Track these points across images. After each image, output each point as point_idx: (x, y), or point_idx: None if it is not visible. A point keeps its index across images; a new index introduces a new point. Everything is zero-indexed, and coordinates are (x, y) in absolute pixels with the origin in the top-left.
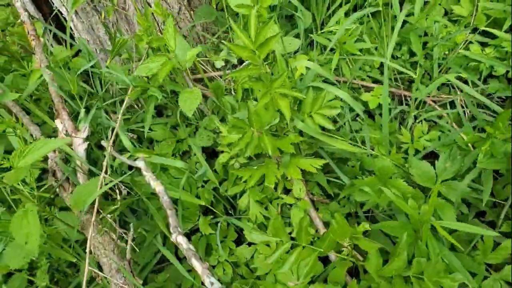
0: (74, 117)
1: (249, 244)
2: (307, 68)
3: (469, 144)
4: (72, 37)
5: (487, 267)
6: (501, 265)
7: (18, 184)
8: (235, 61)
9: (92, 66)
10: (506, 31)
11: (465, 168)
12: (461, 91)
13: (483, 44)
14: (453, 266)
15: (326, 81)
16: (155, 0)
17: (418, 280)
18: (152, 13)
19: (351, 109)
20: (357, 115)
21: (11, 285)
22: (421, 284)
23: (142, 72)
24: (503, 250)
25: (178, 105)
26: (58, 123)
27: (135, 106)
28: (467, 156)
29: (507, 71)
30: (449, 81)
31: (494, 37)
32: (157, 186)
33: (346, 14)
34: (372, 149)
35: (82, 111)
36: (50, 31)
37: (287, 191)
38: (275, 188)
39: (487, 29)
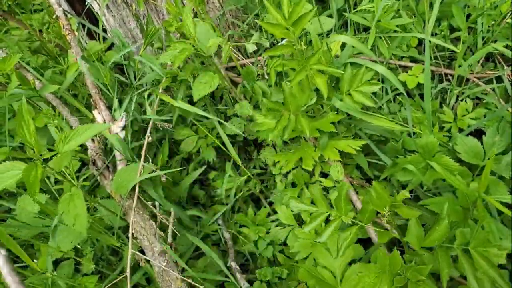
0: (111, 109)
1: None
2: (342, 49)
3: None
4: (105, 31)
5: None
6: None
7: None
8: (267, 45)
9: (125, 59)
10: None
11: None
12: (508, 65)
13: None
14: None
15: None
16: None
17: (463, 251)
18: (182, 0)
19: (389, 91)
20: (395, 96)
21: (60, 272)
22: (467, 255)
23: (166, 59)
24: None
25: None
26: (96, 113)
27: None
28: None
29: None
30: (494, 55)
31: None
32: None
33: None
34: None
35: (115, 100)
36: (84, 26)
37: (324, 176)
38: (313, 172)
39: None
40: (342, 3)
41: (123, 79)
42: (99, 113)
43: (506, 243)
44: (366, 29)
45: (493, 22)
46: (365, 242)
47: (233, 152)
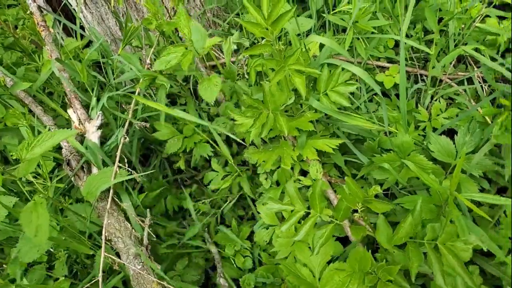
0: (88, 108)
1: (267, 227)
2: (321, 48)
3: (488, 118)
4: (82, 29)
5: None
6: None
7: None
8: (247, 44)
9: (103, 57)
10: None
11: (484, 141)
12: (478, 67)
13: (501, 18)
14: (482, 241)
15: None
16: None
17: (432, 245)
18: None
19: (367, 90)
20: (372, 96)
21: (31, 277)
22: (435, 249)
23: (161, 66)
24: None
25: (191, 93)
26: (71, 112)
27: (150, 96)
28: (486, 129)
29: None
30: (465, 57)
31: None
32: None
33: None
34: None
35: (94, 99)
36: (60, 22)
37: (304, 174)
38: (292, 170)
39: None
40: (321, 4)
41: (101, 77)
42: (74, 112)
43: (472, 238)
44: (345, 30)
45: (463, 26)
46: (346, 241)
47: (225, 150)
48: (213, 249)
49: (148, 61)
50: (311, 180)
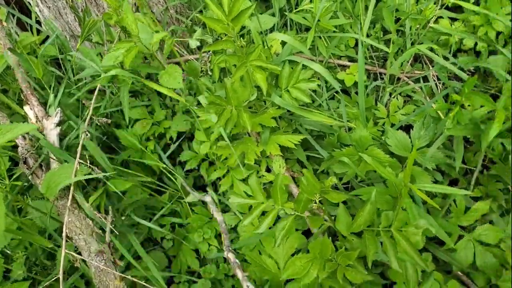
0: (46, 105)
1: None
2: (283, 45)
3: (440, 113)
4: (39, 24)
5: (460, 229)
6: (473, 226)
7: None
8: (210, 41)
9: (62, 53)
10: (472, 3)
11: (438, 135)
12: (433, 66)
13: (453, 20)
14: (432, 228)
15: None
16: None
17: (386, 232)
18: None
19: (328, 88)
20: (334, 94)
21: None
22: (389, 235)
23: (109, 61)
24: (474, 212)
25: (154, 90)
26: (27, 109)
27: (112, 93)
28: (439, 123)
29: (475, 45)
30: (421, 57)
31: (462, 11)
32: (218, 217)
33: None
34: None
35: (51, 95)
36: (14, 16)
37: (269, 171)
38: (258, 164)
39: (456, 1)
40: (284, 3)
41: (60, 73)
42: (31, 109)
43: (422, 222)
44: (308, 29)
45: (418, 26)
46: (309, 234)
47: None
48: (219, 218)
49: (114, 63)
50: (274, 175)
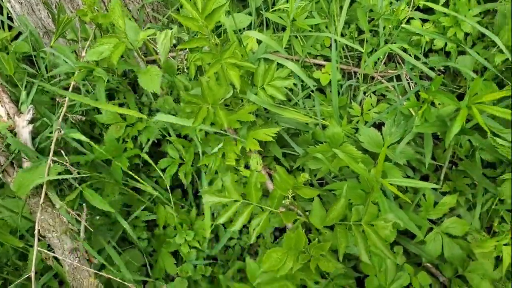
0: (18, 102)
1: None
2: (259, 44)
3: (412, 111)
4: (11, 20)
5: (429, 222)
6: (442, 220)
7: None
8: (186, 39)
9: (35, 50)
10: (442, 5)
11: (408, 132)
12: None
13: (424, 21)
14: (401, 220)
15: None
16: None
17: (357, 226)
18: None
19: (304, 87)
20: (311, 93)
21: None
22: (360, 229)
23: (93, 57)
24: (443, 206)
25: (129, 88)
26: None
27: (87, 92)
28: (409, 121)
29: (445, 45)
30: (394, 56)
31: (433, 13)
32: None
33: None
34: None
35: (23, 92)
36: None
37: (248, 168)
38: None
39: (426, 3)
40: (261, 2)
41: (33, 71)
42: (2, 106)
43: (391, 216)
44: (285, 28)
45: (390, 27)
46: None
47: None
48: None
49: (84, 54)
50: (251, 172)
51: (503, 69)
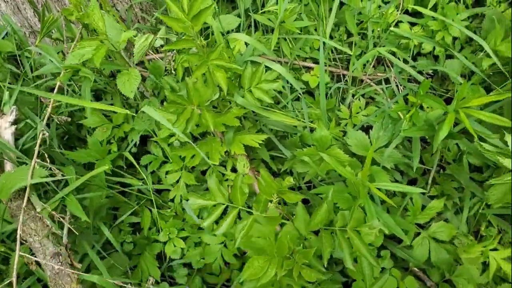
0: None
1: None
2: (247, 46)
3: (400, 114)
4: None
5: (417, 226)
6: (429, 223)
7: None
8: (174, 39)
9: (20, 49)
10: (430, 9)
11: (396, 136)
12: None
13: (412, 24)
14: (388, 225)
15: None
16: None
17: (342, 232)
18: None
19: (293, 90)
20: (300, 96)
21: None
22: (345, 235)
23: (75, 60)
24: (430, 210)
25: (117, 89)
26: None
27: (73, 92)
28: (397, 124)
29: (434, 49)
30: (384, 60)
31: (421, 17)
32: None
33: None
34: (312, 123)
35: (6, 93)
36: None
37: (235, 170)
38: (224, 167)
39: (415, 7)
40: (249, 4)
41: (17, 71)
42: None
43: (376, 223)
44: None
45: (378, 30)
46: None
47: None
48: None
49: (79, 61)
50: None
51: (491, 73)
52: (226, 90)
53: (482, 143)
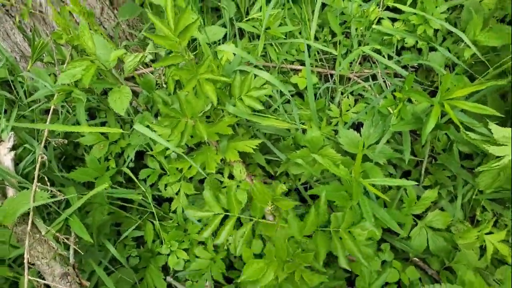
0: None
1: None
2: (235, 54)
3: (390, 109)
4: None
5: (413, 217)
6: (425, 213)
7: None
8: (163, 53)
9: (13, 74)
10: (410, 5)
11: (386, 131)
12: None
13: (394, 20)
14: (384, 220)
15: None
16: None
17: (336, 233)
18: (72, 14)
19: (283, 93)
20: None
21: None
22: (338, 236)
23: (66, 80)
24: (425, 200)
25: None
26: None
27: (67, 112)
28: (387, 120)
29: (417, 42)
30: (369, 56)
31: (402, 12)
32: None
33: (268, 1)
34: (304, 125)
35: (3, 120)
36: None
37: (232, 176)
38: (222, 174)
39: (395, 4)
40: (234, 13)
41: (12, 96)
42: None
43: (367, 224)
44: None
45: (361, 29)
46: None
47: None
48: None
49: (69, 81)
50: (236, 181)
51: (473, 62)
52: (216, 102)
53: (468, 133)
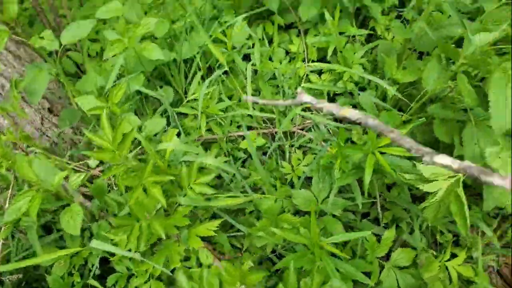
0: None
1: None
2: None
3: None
4: None
5: (380, 260)
6: (389, 254)
7: None
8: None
9: None
10: (331, 56)
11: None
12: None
13: (320, 73)
14: (350, 274)
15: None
16: (7, 127)
17: None
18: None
19: (236, 158)
20: (244, 162)
21: None
22: None
23: (12, 216)
24: (386, 241)
25: None
26: None
27: (22, 232)
28: (332, 173)
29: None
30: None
31: (327, 61)
32: None
33: (204, 78)
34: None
35: None
36: None
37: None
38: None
39: (315, 64)
40: (172, 97)
41: None
42: None
43: (336, 283)
44: None
45: (294, 87)
46: None
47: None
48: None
49: (7, 205)
50: (205, 267)
51: (398, 97)
52: (165, 203)
53: (402, 174)
